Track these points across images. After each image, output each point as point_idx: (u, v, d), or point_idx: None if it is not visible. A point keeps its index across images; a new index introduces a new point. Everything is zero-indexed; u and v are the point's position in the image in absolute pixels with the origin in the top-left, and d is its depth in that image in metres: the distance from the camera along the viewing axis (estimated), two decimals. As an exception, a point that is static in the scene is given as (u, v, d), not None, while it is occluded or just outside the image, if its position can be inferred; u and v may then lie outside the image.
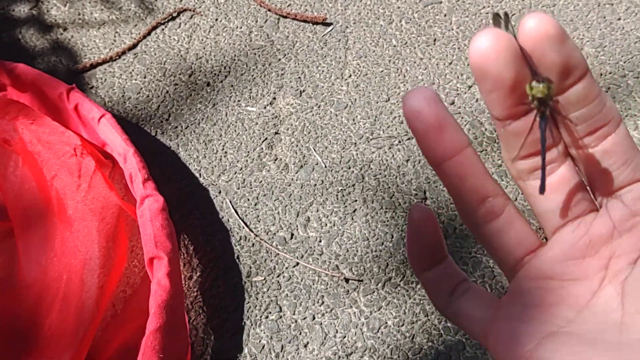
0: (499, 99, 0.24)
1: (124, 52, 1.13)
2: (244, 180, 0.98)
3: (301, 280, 0.88)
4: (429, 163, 0.25)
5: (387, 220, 0.93)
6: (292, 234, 0.92)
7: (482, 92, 0.24)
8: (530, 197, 0.27)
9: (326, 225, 0.93)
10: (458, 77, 1.07)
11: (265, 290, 0.88)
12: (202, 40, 1.15)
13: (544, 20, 0.22)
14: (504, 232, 0.27)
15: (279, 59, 1.11)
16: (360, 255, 0.90)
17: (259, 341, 0.84)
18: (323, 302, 0.86)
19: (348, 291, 0.87)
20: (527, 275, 0.27)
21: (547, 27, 0.21)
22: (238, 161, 1.00)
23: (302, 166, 0.98)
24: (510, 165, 0.27)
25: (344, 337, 0.84)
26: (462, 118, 1.02)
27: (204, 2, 1.20)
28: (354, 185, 0.96)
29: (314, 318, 0.85)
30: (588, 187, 0.27)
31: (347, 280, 0.88)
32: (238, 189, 0.97)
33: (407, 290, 0.86)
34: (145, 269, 0.88)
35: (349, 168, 0.98)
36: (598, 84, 0.24)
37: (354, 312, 0.85)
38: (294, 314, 0.86)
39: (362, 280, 0.88)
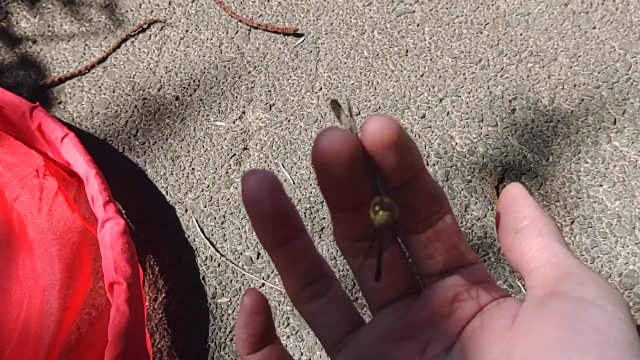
0: (335, 195, 0.24)
1: (93, 66, 1.12)
2: (211, 198, 0.97)
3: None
4: (261, 243, 0.26)
5: (355, 239, 0.91)
6: (259, 254, 0.91)
7: (319, 185, 0.24)
8: (357, 273, 0.28)
9: (293, 244, 0.92)
10: (429, 89, 1.06)
11: (230, 312, 0.87)
12: (172, 52, 1.13)
13: (384, 124, 0.22)
14: (326, 311, 0.27)
15: (249, 72, 1.10)
16: (327, 275, 0.89)
17: (223, 365, 0.83)
18: (289, 324, 0.86)
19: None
20: (347, 355, 0.27)
21: (387, 132, 0.22)
22: (205, 178, 0.98)
23: (270, 183, 0.97)
24: (339, 241, 0.27)
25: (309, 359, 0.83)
26: (433, 132, 1.01)
27: (174, 13, 1.18)
28: (322, 202, 0.95)
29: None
30: (414, 269, 0.27)
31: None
32: (205, 207, 0.96)
33: (373, 311, 0.86)
34: (110, 291, 0.87)
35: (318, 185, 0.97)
36: (431, 175, 0.25)
37: (319, 334, 0.84)
38: (258, 336, 0.85)
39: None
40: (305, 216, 0.94)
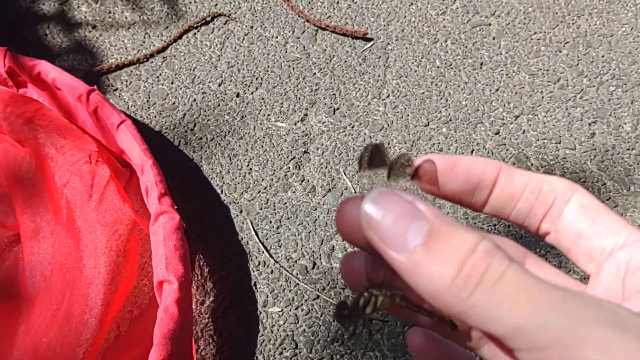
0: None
1: (152, 55, 1.08)
2: (268, 200, 0.91)
3: (321, 315, 0.81)
4: None
5: (419, 257, 0.85)
6: (315, 263, 0.85)
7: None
8: None
9: (352, 256, 0.86)
10: (504, 105, 0.99)
11: (281, 323, 0.81)
12: (235, 47, 1.09)
13: (432, 159, 0.24)
14: None
15: (314, 73, 1.05)
16: (387, 292, 0.82)
17: (271, 379, 0.77)
18: (343, 342, 0.79)
19: (371, 332, 0.80)
20: None
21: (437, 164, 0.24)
22: (263, 179, 0.93)
23: (330, 190, 0.92)
24: None
25: (363, 382, 0.77)
26: (507, 150, 0.94)
27: (239, 7, 1.14)
28: (384, 215, 0.89)
29: (332, 359, 0.78)
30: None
31: (370, 320, 0.80)
32: (261, 209, 0.90)
33: (436, 336, 0.79)
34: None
35: (381, 196, 0.91)
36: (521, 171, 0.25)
37: (376, 356, 0.78)
38: (310, 352, 0.79)
39: (386, 322, 0.80)
40: (366, 228, 0.88)
